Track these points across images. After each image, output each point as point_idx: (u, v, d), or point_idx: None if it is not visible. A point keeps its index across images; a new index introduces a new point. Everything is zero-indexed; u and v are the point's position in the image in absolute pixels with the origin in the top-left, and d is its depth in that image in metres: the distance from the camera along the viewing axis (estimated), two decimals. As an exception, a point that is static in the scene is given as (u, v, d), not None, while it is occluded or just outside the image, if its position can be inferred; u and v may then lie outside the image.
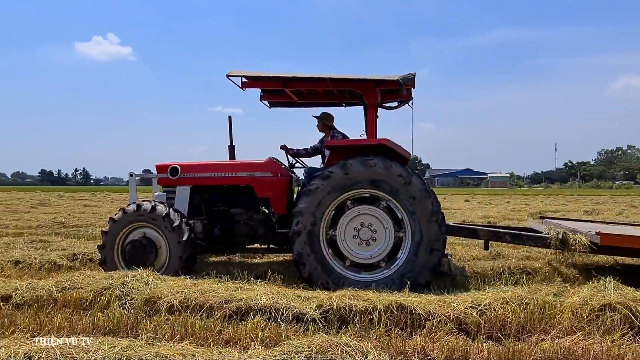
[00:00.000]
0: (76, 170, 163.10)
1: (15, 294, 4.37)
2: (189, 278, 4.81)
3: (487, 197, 33.40)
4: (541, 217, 7.31)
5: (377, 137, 5.50)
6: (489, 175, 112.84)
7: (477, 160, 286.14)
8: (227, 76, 5.29)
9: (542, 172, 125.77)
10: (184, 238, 5.12)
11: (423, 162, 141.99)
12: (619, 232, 5.42)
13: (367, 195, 5.10)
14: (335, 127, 6.22)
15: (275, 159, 6.01)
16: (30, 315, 3.90)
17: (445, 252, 6.00)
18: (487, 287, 5.00)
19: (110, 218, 5.40)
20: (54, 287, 4.49)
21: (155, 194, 5.93)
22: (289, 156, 6.14)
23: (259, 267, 6.14)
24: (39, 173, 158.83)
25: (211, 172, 5.86)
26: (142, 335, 3.35)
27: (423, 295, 4.42)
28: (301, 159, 6.26)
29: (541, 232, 5.71)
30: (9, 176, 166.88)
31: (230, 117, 6.23)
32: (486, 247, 5.92)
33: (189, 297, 4.22)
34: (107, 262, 5.31)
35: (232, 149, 6.27)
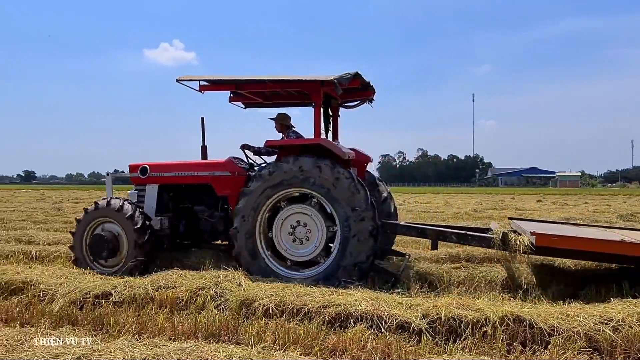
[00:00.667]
0: None
1: (114, 292, 4.43)
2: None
3: (560, 197, 31.39)
4: (509, 218, 7.01)
5: (337, 136, 6.00)
6: (557, 174, 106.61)
7: (543, 159, 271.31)
8: (177, 81, 5.52)
9: (617, 170, 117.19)
10: (138, 226, 5.41)
11: (485, 160, 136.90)
12: (557, 233, 5.00)
13: (299, 194, 5.17)
14: (293, 126, 6.24)
15: (236, 158, 6.10)
16: (132, 315, 3.91)
17: (405, 252, 6.42)
18: (436, 291, 4.61)
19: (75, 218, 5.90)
20: (149, 285, 4.51)
21: (129, 192, 6.32)
22: (249, 155, 6.15)
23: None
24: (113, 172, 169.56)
25: (176, 171, 6.12)
26: (248, 341, 3.21)
27: (538, 306, 4.00)
28: (263, 157, 6.19)
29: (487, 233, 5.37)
30: (87, 176, 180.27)
31: (202, 119, 6.44)
32: (434, 247, 5.56)
33: (284, 300, 4.08)
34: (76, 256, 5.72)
35: (204, 149, 6.45)
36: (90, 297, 4.38)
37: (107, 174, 6.59)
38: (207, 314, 3.95)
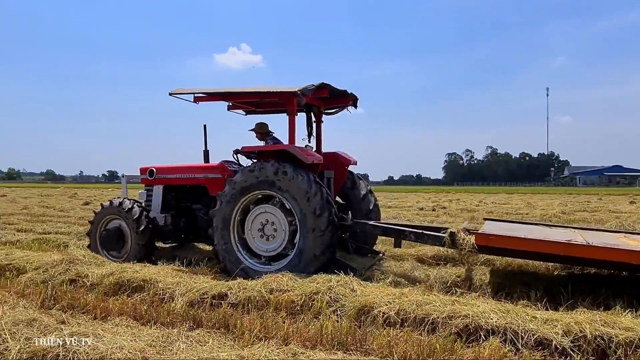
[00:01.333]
0: None
1: (230, 293, 4.50)
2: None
3: (655, 198, 28.63)
4: (484, 219, 7.08)
5: (320, 140, 6.70)
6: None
7: (627, 156, 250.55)
8: (170, 94, 6.07)
9: None
10: (141, 229, 6.26)
11: (561, 158, 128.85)
12: (498, 233, 5.03)
13: (264, 195, 5.68)
14: (272, 132, 6.73)
15: (228, 161, 6.62)
16: (254, 318, 3.93)
17: (378, 250, 6.78)
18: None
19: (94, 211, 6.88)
20: (262, 287, 4.54)
21: (139, 192, 7.17)
22: (238, 159, 6.57)
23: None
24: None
25: (177, 174, 6.86)
26: (379, 352, 3.09)
27: None
28: (253, 160, 6.34)
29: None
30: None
31: (205, 126, 6.92)
32: (397, 245, 5.97)
33: (404, 308, 3.92)
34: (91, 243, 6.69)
35: (206, 153, 6.97)
36: (207, 297, 4.47)
37: (122, 176, 7.59)
38: (324, 320, 3.89)
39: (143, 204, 6.71)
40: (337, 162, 6.56)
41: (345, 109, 6.83)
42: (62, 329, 3.24)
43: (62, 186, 58.14)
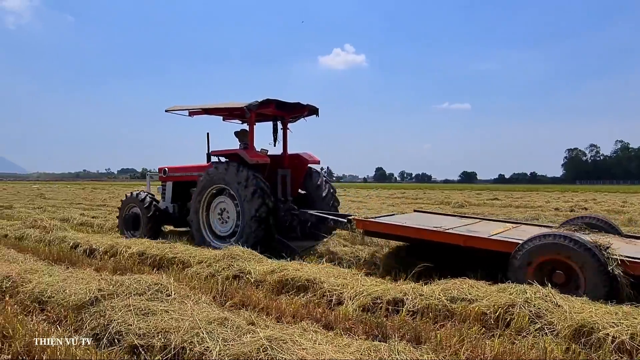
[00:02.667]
0: (321, 169, 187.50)
1: (406, 299, 4.08)
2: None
3: None
4: (414, 210, 8.54)
5: (286, 145, 8.08)
6: None
7: None
8: (166, 111, 7.77)
9: None
10: (149, 214, 8.09)
11: None
12: (371, 219, 6.07)
13: (219, 188, 7.21)
14: (246, 140, 7.73)
15: (217, 162, 7.63)
16: (451, 331, 3.45)
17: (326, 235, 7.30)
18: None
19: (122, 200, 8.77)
20: (442, 295, 4.04)
21: (158, 187, 9.05)
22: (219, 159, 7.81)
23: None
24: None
25: (181, 172, 8.50)
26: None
27: None
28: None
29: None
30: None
31: (207, 134, 8.17)
32: (328, 231, 7.33)
33: (638, 332, 3.16)
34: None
35: (209, 155, 8.06)
36: (381, 303, 4.10)
37: (147, 173, 9.88)
38: (536, 340, 3.28)
39: (159, 196, 8.74)
40: (298, 161, 7.93)
41: (302, 118, 8.13)
42: (257, 332, 3.04)
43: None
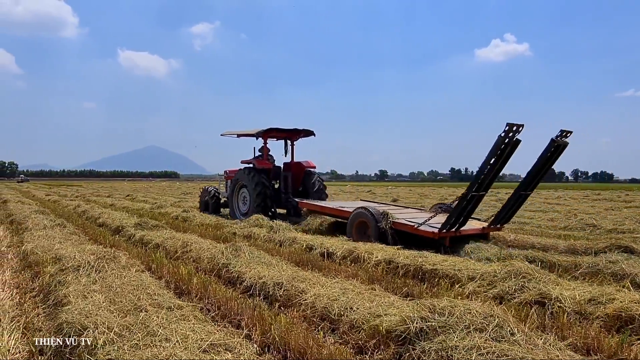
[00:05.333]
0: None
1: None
2: None
3: None
4: (360, 199, 13.31)
5: (293, 156, 12.29)
6: None
7: None
8: (222, 135, 12.64)
9: None
10: (213, 201, 13.43)
11: None
12: (305, 201, 10.85)
13: (242, 184, 11.56)
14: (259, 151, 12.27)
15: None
16: None
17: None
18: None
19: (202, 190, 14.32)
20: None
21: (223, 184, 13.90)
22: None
23: None
24: (449, 171, 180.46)
25: (231, 174, 12.53)
26: None
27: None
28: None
29: None
30: (426, 174, 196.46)
31: (254, 148, 12.35)
32: (293, 214, 11.38)
33: None
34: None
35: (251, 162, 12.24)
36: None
37: (218, 174, 14.86)
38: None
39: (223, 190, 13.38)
40: (299, 166, 12.05)
41: (300, 138, 12.24)
42: None
43: (348, 184, 64.80)
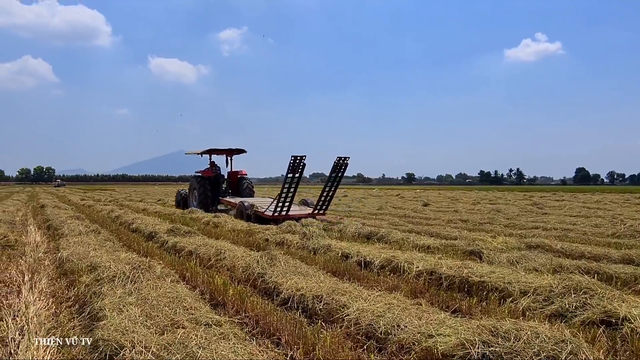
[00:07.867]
0: (510, 170, 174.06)
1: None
2: None
3: None
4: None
5: (232, 167, 18.05)
6: None
7: None
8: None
9: None
10: (182, 199, 18.98)
11: None
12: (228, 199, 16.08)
13: (194, 186, 17.02)
14: (212, 161, 17.83)
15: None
16: None
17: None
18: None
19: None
20: None
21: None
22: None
23: None
24: (478, 174, 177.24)
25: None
26: None
27: None
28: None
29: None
30: (454, 177, 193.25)
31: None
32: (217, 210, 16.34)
33: None
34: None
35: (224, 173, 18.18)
36: None
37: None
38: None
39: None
40: (235, 174, 17.43)
41: (235, 154, 17.80)
42: None
43: (375, 187, 63.95)
